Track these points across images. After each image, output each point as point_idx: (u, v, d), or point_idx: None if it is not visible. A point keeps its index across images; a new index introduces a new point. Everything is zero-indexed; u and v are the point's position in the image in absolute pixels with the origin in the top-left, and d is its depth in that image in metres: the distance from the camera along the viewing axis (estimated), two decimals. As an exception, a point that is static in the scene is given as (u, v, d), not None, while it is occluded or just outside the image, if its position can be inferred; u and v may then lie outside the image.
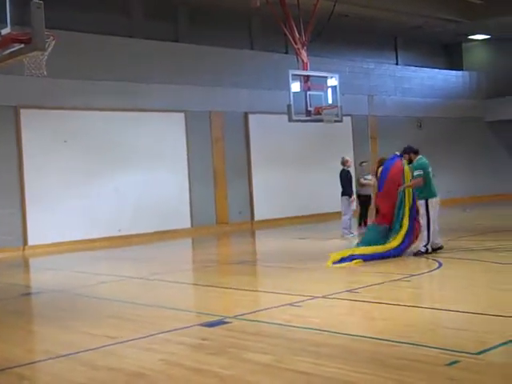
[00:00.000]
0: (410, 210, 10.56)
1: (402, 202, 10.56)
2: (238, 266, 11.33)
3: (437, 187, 10.63)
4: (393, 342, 5.15)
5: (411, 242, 10.58)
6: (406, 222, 10.50)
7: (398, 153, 11.31)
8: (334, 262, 9.92)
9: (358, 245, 10.87)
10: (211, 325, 6.20)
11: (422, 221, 10.44)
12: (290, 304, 7.00)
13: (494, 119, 25.77)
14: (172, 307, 7.34)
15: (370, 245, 10.42)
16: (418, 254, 10.30)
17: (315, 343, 5.32)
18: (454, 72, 26.29)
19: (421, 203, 10.47)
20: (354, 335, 5.45)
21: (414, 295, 7.33)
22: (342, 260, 10.02)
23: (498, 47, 28.37)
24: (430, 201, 10.43)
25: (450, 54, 28.01)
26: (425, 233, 10.41)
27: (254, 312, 6.74)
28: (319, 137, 20.41)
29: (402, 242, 10.40)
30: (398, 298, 7.17)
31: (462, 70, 27.06)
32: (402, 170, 10.83)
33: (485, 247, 10.97)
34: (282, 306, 6.98)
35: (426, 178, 10.39)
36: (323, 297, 7.34)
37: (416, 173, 10.49)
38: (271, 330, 5.89)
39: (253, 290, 8.39)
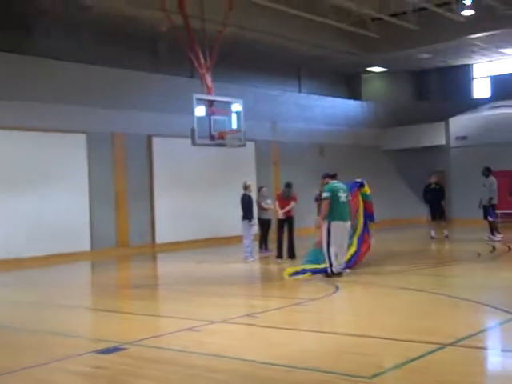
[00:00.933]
0: (359, 237, 11.66)
1: (355, 229, 11.61)
2: (138, 290, 11.10)
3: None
4: (288, 367, 5.18)
5: (356, 263, 11.49)
6: (354, 247, 11.52)
7: (358, 180, 12.12)
8: (290, 275, 10.86)
9: (306, 262, 11.45)
10: (106, 352, 6.01)
11: (323, 243, 10.78)
12: (189, 329, 6.92)
13: (390, 148, 26.85)
14: (64, 333, 7.06)
15: (317, 263, 11.07)
16: (327, 275, 10.59)
17: (211, 369, 5.26)
18: (353, 102, 27.24)
19: (325, 226, 10.72)
20: (251, 360, 5.44)
21: (311, 320, 7.41)
22: (295, 273, 10.94)
23: (394, 80, 29.74)
24: (332, 223, 10.64)
25: (350, 85, 29.06)
26: (326, 255, 10.67)
27: (152, 338, 6.59)
28: (223, 161, 20.49)
29: (348, 261, 11.27)
30: (295, 322, 7.26)
31: (361, 100, 28.09)
32: (358, 198, 11.85)
33: (382, 271, 11.29)
34: (181, 331, 6.89)
35: (332, 201, 10.66)
36: (223, 321, 7.31)
37: (323, 195, 10.92)
38: (168, 356, 5.78)
39: (152, 315, 8.21)
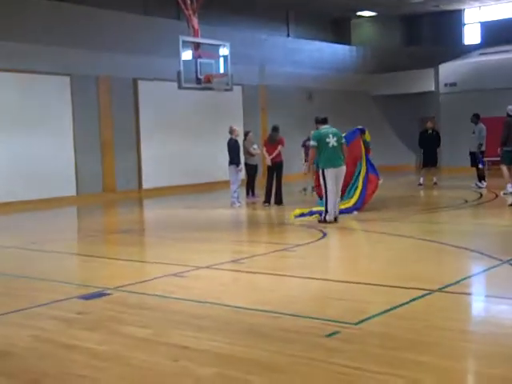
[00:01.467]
0: (363, 178, 11.97)
1: (359, 172, 12.00)
2: (123, 235, 11.03)
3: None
4: (274, 313, 5.13)
5: (362, 205, 11.85)
6: (359, 188, 11.94)
7: (359, 127, 12.34)
8: (296, 216, 11.11)
9: (317, 203, 11.83)
10: (89, 297, 5.94)
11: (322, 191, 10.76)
12: (174, 275, 6.86)
13: (379, 93, 26.58)
14: (48, 279, 6.98)
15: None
16: (320, 221, 10.54)
17: (195, 315, 5.21)
18: (342, 46, 26.78)
19: (320, 173, 10.65)
20: (236, 306, 5.38)
21: (297, 266, 7.35)
22: (302, 215, 11.24)
23: (384, 24, 29.22)
24: (325, 171, 10.50)
25: (339, 29, 28.53)
26: (324, 203, 10.63)
27: (137, 283, 6.51)
28: (210, 106, 20.21)
29: (355, 203, 11.77)
30: (281, 268, 7.21)
31: (350, 44, 27.64)
32: (360, 144, 12.10)
33: (369, 218, 11.26)
34: (166, 276, 6.83)
35: (320, 148, 10.49)
36: (208, 267, 7.25)
37: (310, 143, 10.81)
38: (153, 302, 5.72)
39: (137, 261, 8.13)
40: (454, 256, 7.60)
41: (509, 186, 13.79)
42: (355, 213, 11.52)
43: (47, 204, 16.20)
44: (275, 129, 14.71)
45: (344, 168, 10.69)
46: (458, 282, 5.96)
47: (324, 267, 7.21)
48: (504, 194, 13.78)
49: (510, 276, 6.38)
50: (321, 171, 10.60)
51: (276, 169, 14.21)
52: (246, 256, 7.88)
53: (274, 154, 14.16)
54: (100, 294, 6.04)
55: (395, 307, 5.13)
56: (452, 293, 5.63)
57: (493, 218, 10.97)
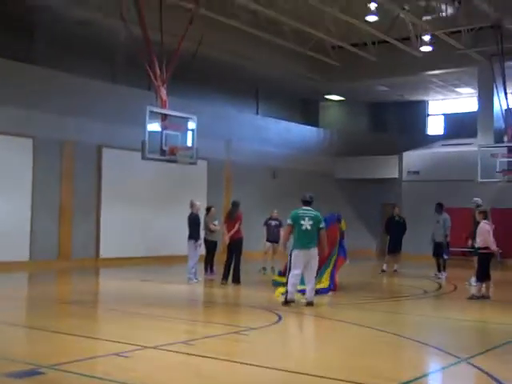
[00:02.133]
0: (334, 261, 12.52)
1: (333, 255, 12.51)
2: (72, 306, 10.55)
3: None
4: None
5: (335, 286, 12.35)
6: (329, 269, 12.40)
7: (337, 214, 13.20)
8: (283, 294, 10.89)
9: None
10: (19, 375, 5.47)
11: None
12: (117, 354, 6.42)
13: (343, 177, 26.83)
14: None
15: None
16: (282, 303, 10.46)
17: (134, 403, 4.83)
18: (309, 128, 27.16)
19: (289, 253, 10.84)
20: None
21: (247, 351, 6.99)
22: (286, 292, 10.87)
23: (352, 109, 29.90)
24: (293, 251, 10.58)
25: (307, 110, 29.07)
26: (285, 282, 10.78)
27: (75, 361, 6.06)
28: (174, 178, 20.05)
29: (329, 285, 12.17)
30: (230, 353, 6.84)
31: (318, 126, 28.07)
32: (337, 229, 12.84)
33: (327, 303, 11.02)
34: (108, 355, 6.42)
35: (294, 228, 10.59)
36: (155, 347, 6.85)
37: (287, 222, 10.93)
38: (88, 385, 5.31)
39: (81, 336, 7.58)
40: (411, 350, 7.34)
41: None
42: (330, 293, 11.92)
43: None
44: (235, 204, 14.41)
45: (313, 251, 10.52)
46: (415, 379, 5.68)
47: (276, 355, 6.80)
48: (468, 284, 13.70)
49: (467, 376, 6.12)
50: (290, 251, 10.71)
51: (235, 246, 13.87)
52: (197, 337, 7.52)
53: (233, 232, 13.84)
54: (32, 373, 5.59)
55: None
56: (408, 392, 5.35)
57: (452, 311, 10.76)
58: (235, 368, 6.09)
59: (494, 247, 11.53)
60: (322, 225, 10.79)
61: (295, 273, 10.49)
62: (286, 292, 10.50)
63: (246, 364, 6.19)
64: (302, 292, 10.94)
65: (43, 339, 7.46)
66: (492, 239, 11.56)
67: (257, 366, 6.12)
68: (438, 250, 16.32)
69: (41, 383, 5.32)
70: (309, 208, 10.87)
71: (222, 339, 7.59)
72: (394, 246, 17.72)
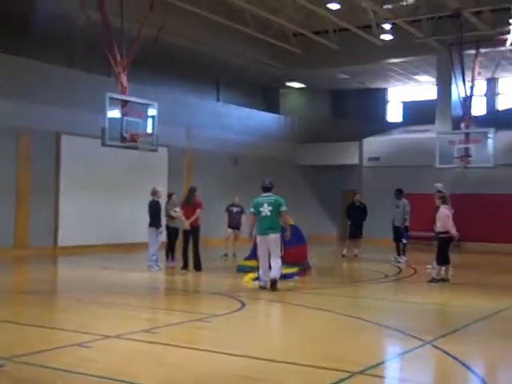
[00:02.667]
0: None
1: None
2: (30, 296, 10.31)
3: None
4: (183, 393, 4.72)
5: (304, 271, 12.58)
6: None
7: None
8: (254, 280, 11.22)
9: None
10: (-23, 368, 5.34)
11: None
12: (79, 344, 6.31)
13: (304, 163, 26.91)
14: None
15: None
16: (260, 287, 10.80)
17: (97, 394, 4.73)
18: (270, 114, 27.12)
19: None
20: (139, 384, 4.94)
21: (211, 338, 6.93)
22: (257, 278, 11.14)
23: (313, 96, 29.94)
24: (257, 238, 10.95)
25: (268, 97, 29.01)
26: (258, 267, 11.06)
27: (36, 353, 5.92)
28: (134, 165, 19.78)
29: (297, 271, 12.40)
30: (195, 341, 6.79)
31: (279, 113, 28.06)
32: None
33: (289, 289, 11.02)
34: (70, 346, 6.27)
35: (256, 215, 10.85)
36: (117, 336, 6.74)
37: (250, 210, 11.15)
38: (50, 378, 5.17)
39: (40, 326, 7.39)
40: (375, 334, 7.40)
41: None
42: (295, 277, 12.06)
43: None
44: (192, 190, 14.25)
45: (272, 236, 10.69)
46: (379, 364, 5.73)
47: (240, 342, 6.74)
48: (429, 268, 13.86)
49: (432, 358, 6.19)
50: (254, 237, 11.10)
51: (192, 233, 13.72)
52: (160, 325, 7.43)
53: (193, 218, 13.73)
54: (-8, 365, 5.45)
55: (314, 391, 4.82)
56: (373, 376, 5.36)
57: (412, 294, 10.89)
58: (199, 356, 6.03)
59: (453, 231, 11.71)
60: (283, 208, 10.93)
61: (263, 260, 10.79)
62: (258, 277, 10.94)
63: (210, 351, 6.14)
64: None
65: (0, 330, 7.27)
66: (451, 224, 11.74)
67: (221, 353, 6.07)
68: (398, 234, 16.55)
69: (1, 377, 5.17)
70: (269, 194, 11.08)
71: (184, 327, 7.52)
72: (354, 231, 17.89)
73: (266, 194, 11.04)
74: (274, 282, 10.59)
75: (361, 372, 5.40)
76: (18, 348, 6.13)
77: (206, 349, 6.27)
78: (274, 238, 10.74)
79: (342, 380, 5.13)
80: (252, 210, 10.99)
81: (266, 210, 10.76)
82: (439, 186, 15.18)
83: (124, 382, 5.02)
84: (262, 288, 10.73)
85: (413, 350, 6.32)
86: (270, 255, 10.75)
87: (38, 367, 5.45)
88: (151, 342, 6.51)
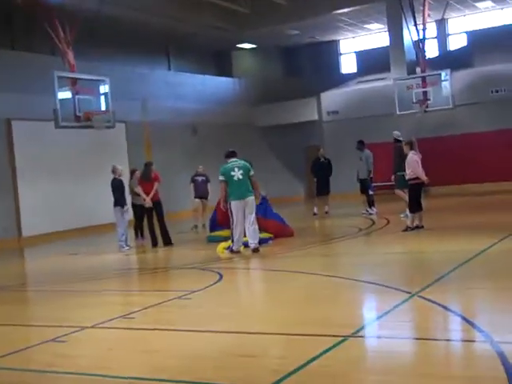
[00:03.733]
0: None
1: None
2: (-3, 292, 9.89)
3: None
4: (171, 382, 4.43)
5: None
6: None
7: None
8: (226, 248, 11.12)
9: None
10: None
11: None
12: (53, 340, 5.95)
13: (263, 125, 26.55)
14: None
15: None
16: (231, 251, 10.96)
17: (81, 394, 4.42)
18: (224, 79, 26.58)
19: (228, 206, 10.98)
20: (129, 377, 4.60)
21: (195, 316, 6.62)
22: (229, 247, 11.10)
23: (265, 56, 29.42)
24: (231, 203, 10.83)
25: (220, 61, 28.39)
26: (231, 234, 11.01)
27: (7, 355, 5.54)
28: (92, 145, 19.19)
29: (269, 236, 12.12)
30: (177, 321, 6.45)
31: (232, 77, 27.52)
32: None
33: (264, 254, 10.80)
34: (44, 343, 5.91)
35: (228, 181, 10.82)
36: (92, 326, 6.41)
37: (219, 178, 11.07)
38: (28, 380, 4.82)
39: (9, 324, 6.99)
40: (359, 292, 7.22)
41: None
42: (270, 242, 11.94)
43: None
44: (148, 164, 13.84)
45: (251, 199, 10.83)
46: (370, 323, 5.53)
47: (224, 317, 6.44)
48: (402, 216, 13.82)
49: (423, 311, 6.00)
50: (228, 204, 10.90)
51: (155, 208, 13.32)
52: (137, 309, 7.09)
53: (153, 193, 13.30)
54: (-38, 374, 5.08)
55: (310, 361, 4.55)
56: (367, 337, 5.16)
57: (389, 245, 10.78)
58: (185, 337, 5.72)
59: (423, 177, 11.57)
60: (252, 172, 11.05)
61: (238, 224, 10.80)
62: (232, 243, 10.93)
63: (196, 331, 5.84)
64: (245, 245, 11.07)
65: (-31, 332, 6.87)
66: (421, 169, 11.60)
67: (207, 331, 5.78)
68: (364, 186, 16.43)
69: (-27, 385, 4.83)
70: (235, 159, 11.11)
71: (163, 307, 7.20)
72: (322, 188, 17.66)
73: (233, 159, 11.06)
74: (256, 250, 10.77)
75: (354, 334, 5.19)
76: (-10, 351, 5.77)
77: (190, 329, 5.96)
78: (252, 200, 10.87)
79: (337, 345, 4.90)
80: (221, 177, 10.95)
81: (237, 173, 10.81)
82: (396, 133, 15.04)
83: (107, 376, 4.71)
84: (236, 252, 10.79)
85: (401, 303, 6.12)
86: (245, 219, 10.79)
87: (10, 371, 5.10)
88: (130, 329, 6.21)
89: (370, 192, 16.41)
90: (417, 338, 5.09)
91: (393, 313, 5.82)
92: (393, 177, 14.20)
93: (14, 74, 17.74)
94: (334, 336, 5.14)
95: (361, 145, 16.67)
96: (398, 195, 14.23)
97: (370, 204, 16.37)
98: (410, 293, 6.48)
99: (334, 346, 4.87)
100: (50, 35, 14.78)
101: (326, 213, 17.39)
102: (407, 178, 11.74)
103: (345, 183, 20.25)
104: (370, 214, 16.04)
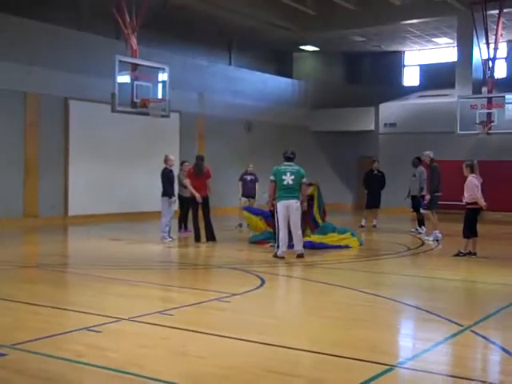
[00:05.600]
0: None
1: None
2: (38, 271, 9.87)
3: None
4: (206, 392, 4.21)
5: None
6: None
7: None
8: (272, 245, 11.30)
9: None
10: (-22, 358, 4.86)
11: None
12: (87, 328, 5.80)
13: (318, 129, 26.21)
14: None
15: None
16: (274, 256, 10.79)
17: (108, 393, 4.23)
18: (284, 79, 26.33)
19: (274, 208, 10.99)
20: (160, 381, 4.41)
21: (233, 322, 6.38)
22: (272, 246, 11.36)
23: (327, 60, 29.04)
24: (277, 205, 10.80)
25: (281, 61, 28.14)
26: (276, 238, 10.92)
27: (40, 339, 5.41)
28: (145, 132, 19.22)
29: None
30: (214, 325, 6.20)
31: (292, 78, 27.24)
32: None
33: (308, 263, 10.52)
34: (77, 330, 5.77)
35: (277, 183, 10.81)
36: (129, 319, 6.24)
37: (270, 178, 11.04)
38: (56, 369, 4.65)
39: (45, 306, 6.86)
40: (406, 317, 6.88)
41: (437, 231, 13.80)
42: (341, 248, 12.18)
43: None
44: (201, 158, 13.45)
45: (294, 203, 10.75)
46: (418, 355, 5.17)
47: (262, 327, 6.16)
48: (428, 239, 13.55)
49: (476, 347, 5.60)
50: (275, 206, 10.87)
51: (202, 202, 13.09)
52: (175, 306, 6.89)
53: (208, 189, 13.05)
54: (-8, 354, 4.96)
55: (352, 389, 4.28)
56: (414, 370, 4.80)
57: (439, 269, 10.30)
58: (221, 344, 5.45)
59: (482, 202, 11.09)
60: (304, 179, 10.97)
61: (282, 227, 10.74)
62: (277, 247, 10.80)
63: (233, 338, 5.57)
64: (290, 247, 10.96)
65: (3, 311, 6.73)
66: (480, 194, 11.12)
67: (244, 340, 5.51)
68: (416, 204, 15.97)
69: (3, 368, 4.67)
70: (291, 163, 11.00)
71: (202, 308, 6.98)
72: (372, 201, 17.28)
73: (288, 163, 10.98)
74: (300, 256, 10.80)
75: (400, 365, 4.87)
76: (22, 333, 5.65)
77: (228, 335, 5.68)
78: (297, 206, 10.80)
79: (381, 374, 4.58)
80: (272, 177, 10.92)
81: (288, 178, 10.78)
82: (428, 153, 14.62)
83: (138, 376, 4.51)
84: (280, 258, 10.61)
85: (452, 336, 5.75)
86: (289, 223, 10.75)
87: (42, 356, 4.95)
88: (167, 327, 5.98)
89: (422, 210, 15.92)
90: (469, 379, 4.68)
91: (443, 346, 5.46)
92: (428, 196, 13.90)
93: (77, 54, 17.88)
94: (378, 363, 4.83)
95: (417, 161, 16.22)
96: (426, 215, 14.35)
97: (420, 223, 15.88)
98: (461, 325, 6.09)
99: (378, 376, 4.56)
100: (116, 19, 14.77)
101: (374, 226, 16.96)
102: (464, 201, 11.26)
103: (396, 198, 19.73)
104: (419, 232, 15.55)
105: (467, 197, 11.12)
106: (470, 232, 11.22)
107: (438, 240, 13.67)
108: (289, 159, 11.08)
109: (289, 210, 10.71)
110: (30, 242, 14.53)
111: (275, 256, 10.75)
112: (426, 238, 14.09)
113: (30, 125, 17.07)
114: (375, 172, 17.56)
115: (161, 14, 17.93)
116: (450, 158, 19.79)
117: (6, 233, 15.08)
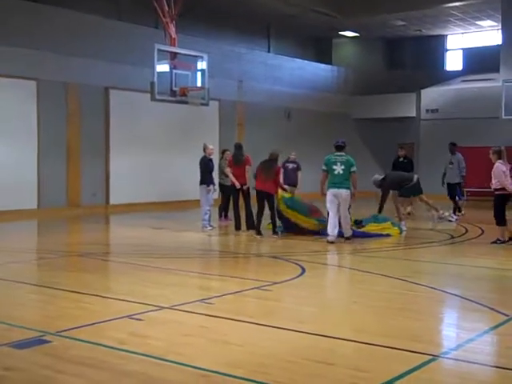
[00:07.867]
0: None
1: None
2: (81, 259, 9.99)
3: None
4: (246, 380, 4.19)
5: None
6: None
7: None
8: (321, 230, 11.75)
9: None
10: (23, 345, 4.90)
11: None
12: (129, 316, 5.86)
13: (359, 116, 25.93)
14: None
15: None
16: (328, 242, 11.07)
17: (151, 381, 4.24)
18: (323, 66, 26.09)
19: None
20: (202, 369, 4.41)
21: (274, 311, 6.36)
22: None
23: (366, 46, 28.65)
24: (328, 193, 11.14)
25: (320, 48, 27.87)
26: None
27: (83, 327, 5.49)
28: (184, 120, 19.30)
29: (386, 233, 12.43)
30: (255, 313, 6.20)
31: (331, 64, 26.98)
32: None
33: (350, 250, 10.44)
34: (119, 318, 5.83)
35: (328, 172, 11.16)
36: (171, 307, 6.28)
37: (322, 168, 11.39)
38: (99, 356, 4.70)
39: (88, 294, 6.93)
40: (448, 305, 6.77)
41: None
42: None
43: (5, 217, 15.02)
44: (239, 147, 13.41)
45: (344, 192, 11.04)
46: (462, 344, 5.08)
47: (303, 315, 6.13)
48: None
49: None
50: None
51: (243, 192, 13.05)
52: (216, 295, 6.91)
53: (248, 180, 12.99)
54: (37, 341, 5.01)
55: (396, 378, 4.20)
56: (459, 360, 4.70)
57: (480, 257, 10.04)
58: (262, 333, 5.44)
59: (509, 188, 10.81)
60: (354, 168, 11.23)
61: (332, 215, 11.07)
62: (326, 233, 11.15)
63: (273, 327, 5.55)
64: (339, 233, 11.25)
65: (49, 299, 6.87)
66: (509, 180, 10.86)
67: (284, 329, 5.50)
68: (452, 191, 15.76)
69: (46, 355, 4.74)
70: (341, 153, 11.28)
71: (243, 296, 6.97)
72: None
73: (338, 153, 11.27)
74: (349, 238, 11.27)
75: (444, 355, 4.78)
76: (65, 321, 5.72)
77: (268, 324, 5.65)
78: (346, 194, 11.09)
79: (424, 364, 4.51)
80: (324, 167, 11.23)
81: (339, 168, 11.07)
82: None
83: (178, 363, 4.53)
84: (330, 243, 10.92)
85: (497, 326, 5.63)
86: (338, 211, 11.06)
87: (85, 343, 5.02)
88: (208, 315, 5.99)
89: (458, 198, 15.73)
90: (514, 369, 4.59)
91: (488, 336, 5.35)
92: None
93: (116, 44, 18.03)
94: (421, 353, 4.75)
95: (452, 147, 15.94)
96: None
97: (454, 210, 15.63)
98: (506, 315, 5.95)
99: (421, 366, 4.48)
100: (154, 8, 14.81)
101: (409, 214, 16.62)
102: (493, 187, 11.03)
103: (436, 184, 19.41)
104: (450, 220, 15.26)
105: (495, 183, 10.92)
106: (501, 219, 10.97)
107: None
108: (339, 148, 11.31)
109: (338, 198, 11.00)
110: (73, 231, 14.76)
111: (328, 242, 11.00)
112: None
113: (71, 114, 17.30)
114: (401, 159, 17.21)
115: (199, 2, 17.97)
116: (494, 143, 19.28)
117: (50, 222, 15.34)
